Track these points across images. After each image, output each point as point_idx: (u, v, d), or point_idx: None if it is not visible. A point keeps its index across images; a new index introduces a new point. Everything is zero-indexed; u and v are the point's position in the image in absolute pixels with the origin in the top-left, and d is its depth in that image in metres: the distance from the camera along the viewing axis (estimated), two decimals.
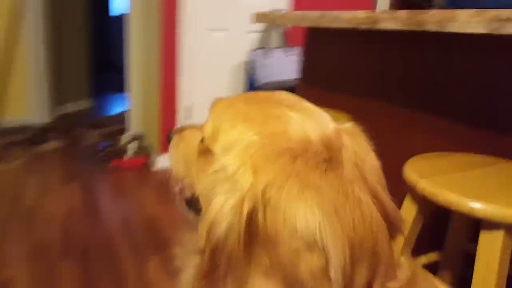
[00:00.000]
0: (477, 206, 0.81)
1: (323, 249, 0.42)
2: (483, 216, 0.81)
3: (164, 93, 3.06)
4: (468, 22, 0.93)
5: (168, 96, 3.09)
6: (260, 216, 0.45)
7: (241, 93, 0.66)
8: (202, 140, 0.62)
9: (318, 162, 0.48)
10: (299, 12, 1.50)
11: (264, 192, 0.45)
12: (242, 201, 0.45)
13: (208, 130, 0.60)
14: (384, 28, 1.17)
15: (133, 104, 3.48)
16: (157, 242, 2.10)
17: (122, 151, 3.27)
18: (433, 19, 1.01)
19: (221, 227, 0.45)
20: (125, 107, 4.25)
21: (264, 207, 0.45)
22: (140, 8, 3.31)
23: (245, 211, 0.44)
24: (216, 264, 0.47)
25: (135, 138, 3.36)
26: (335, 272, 0.42)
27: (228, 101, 0.62)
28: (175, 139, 0.76)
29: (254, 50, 3.11)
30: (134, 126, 3.51)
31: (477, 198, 0.82)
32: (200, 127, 0.67)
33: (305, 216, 0.43)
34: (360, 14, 1.24)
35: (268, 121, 0.53)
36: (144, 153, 3.24)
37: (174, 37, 3.00)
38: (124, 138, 3.40)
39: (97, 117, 4.69)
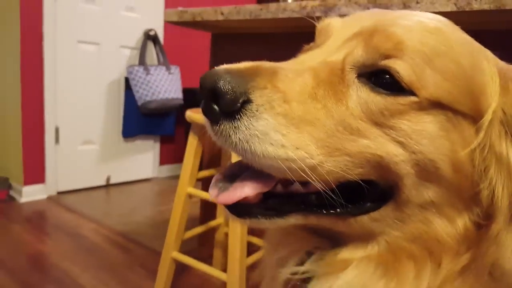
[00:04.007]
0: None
1: None
2: None
3: (27, 114, 2.61)
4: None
5: (32, 117, 2.64)
6: None
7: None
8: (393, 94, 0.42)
9: None
10: (231, 6, 1.48)
11: None
12: None
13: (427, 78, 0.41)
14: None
15: None
16: (52, 280, 1.73)
17: None
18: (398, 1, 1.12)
19: None
20: None
21: None
22: None
23: None
24: None
25: None
26: None
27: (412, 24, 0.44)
28: (272, 97, 0.41)
29: (132, 66, 2.92)
30: None
31: None
32: (312, 68, 0.45)
33: None
34: (311, 2, 1.29)
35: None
36: (3, 186, 2.67)
37: (40, 50, 2.61)
38: None
39: None
